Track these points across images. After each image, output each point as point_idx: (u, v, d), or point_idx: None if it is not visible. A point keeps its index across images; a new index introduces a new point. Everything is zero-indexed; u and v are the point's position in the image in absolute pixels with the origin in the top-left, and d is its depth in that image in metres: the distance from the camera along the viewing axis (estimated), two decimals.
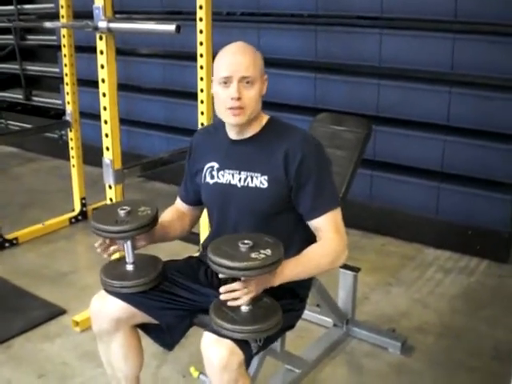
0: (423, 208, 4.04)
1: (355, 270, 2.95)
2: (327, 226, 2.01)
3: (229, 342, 1.81)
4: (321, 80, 4.25)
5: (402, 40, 3.90)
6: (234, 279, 1.85)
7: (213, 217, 2.22)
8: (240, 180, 2.06)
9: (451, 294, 3.47)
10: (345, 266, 2.93)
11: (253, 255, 1.77)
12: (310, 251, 2.00)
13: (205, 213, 2.34)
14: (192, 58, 3.57)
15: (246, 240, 1.82)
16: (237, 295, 1.83)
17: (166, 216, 2.25)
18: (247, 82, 1.96)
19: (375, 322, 3.15)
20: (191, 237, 2.98)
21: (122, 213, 2.04)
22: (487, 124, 3.70)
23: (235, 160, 2.08)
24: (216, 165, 2.12)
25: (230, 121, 2.02)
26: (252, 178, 2.04)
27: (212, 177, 2.12)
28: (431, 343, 3.01)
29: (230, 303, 1.84)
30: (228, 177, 2.09)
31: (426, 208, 4.02)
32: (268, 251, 1.79)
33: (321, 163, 2.04)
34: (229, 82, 1.96)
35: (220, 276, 1.85)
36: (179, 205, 2.33)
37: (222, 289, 1.85)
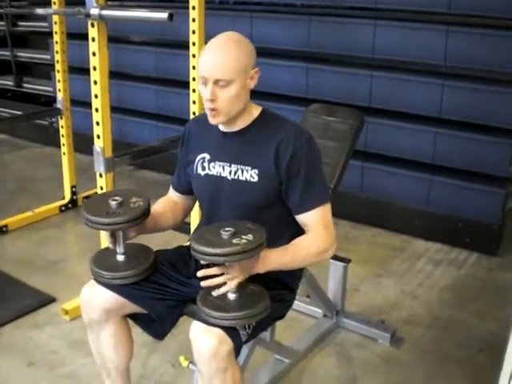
0: (414, 200, 4.04)
1: (345, 261, 2.96)
2: (315, 221, 2.01)
3: (218, 330, 1.81)
4: (313, 70, 4.24)
5: (396, 31, 3.89)
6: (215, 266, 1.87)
7: (203, 208, 2.21)
8: (230, 173, 2.05)
9: (441, 285, 3.48)
10: (335, 257, 2.93)
11: (234, 241, 1.78)
12: (299, 243, 2.00)
13: (197, 203, 2.34)
14: (184, 46, 3.55)
15: (227, 227, 1.83)
16: (220, 281, 1.83)
17: (158, 206, 2.24)
18: (222, 84, 1.92)
19: (365, 313, 3.16)
20: (182, 226, 2.97)
21: (113, 204, 2.00)
22: (479, 117, 3.70)
23: (226, 152, 2.07)
24: (207, 156, 2.10)
25: (209, 121, 2.01)
26: (242, 171, 2.03)
27: (203, 168, 2.11)
28: (420, 335, 3.02)
29: (214, 292, 1.85)
30: (219, 169, 2.07)
31: (416, 200, 4.03)
32: (250, 236, 1.80)
33: (311, 158, 2.01)
34: (206, 82, 1.94)
35: (202, 263, 1.86)
36: (172, 194, 2.32)
37: (199, 273, 1.85)
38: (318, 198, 2.01)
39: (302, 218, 2.03)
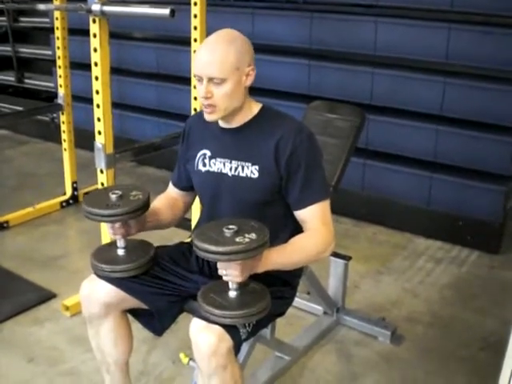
0: (415, 197, 4.04)
1: (346, 258, 2.95)
2: (314, 217, 2.00)
3: (218, 327, 1.81)
4: (315, 67, 4.24)
5: (397, 29, 3.88)
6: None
7: (204, 204, 2.21)
8: (231, 169, 2.05)
9: (441, 283, 3.48)
10: (336, 255, 2.93)
11: (237, 239, 1.77)
12: (296, 241, 1.99)
13: (197, 199, 2.34)
14: (186, 42, 3.54)
15: (230, 225, 1.82)
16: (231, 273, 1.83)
17: (157, 203, 2.23)
18: (216, 82, 1.93)
19: (365, 310, 3.16)
20: (183, 222, 2.96)
21: (113, 197, 2.03)
22: (480, 115, 3.69)
23: (227, 148, 2.07)
24: (208, 152, 2.11)
25: (206, 118, 2.02)
26: (243, 167, 2.03)
27: (204, 164, 2.11)
28: (421, 333, 3.02)
29: (224, 278, 1.84)
30: (219, 165, 2.07)
31: (417, 197, 4.03)
32: (253, 235, 1.78)
33: (311, 154, 2.01)
34: (201, 80, 1.95)
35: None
36: (171, 191, 2.32)
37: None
38: (318, 195, 2.01)
39: (301, 214, 2.02)
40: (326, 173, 2.10)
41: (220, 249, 1.75)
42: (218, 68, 1.91)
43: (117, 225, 2.05)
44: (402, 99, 3.95)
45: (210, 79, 1.93)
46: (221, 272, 1.84)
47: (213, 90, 1.94)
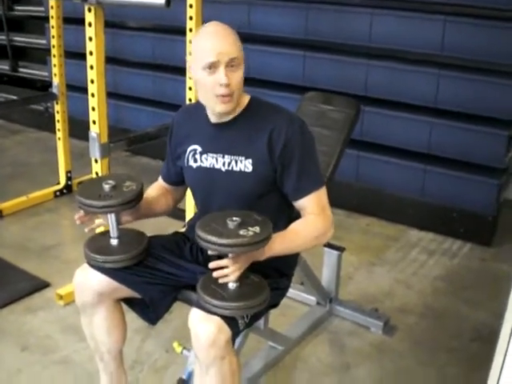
0: (409, 189, 4.05)
1: (340, 249, 2.97)
2: (312, 206, 2.01)
3: (217, 318, 1.81)
4: (310, 58, 4.23)
5: (393, 20, 3.87)
6: (221, 256, 1.85)
7: (197, 199, 2.21)
8: (224, 164, 2.03)
9: (434, 275, 3.50)
10: (329, 246, 2.94)
11: (241, 232, 1.77)
12: (296, 227, 2.00)
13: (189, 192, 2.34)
14: (182, 32, 3.53)
15: (234, 217, 1.82)
16: (226, 272, 1.83)
17: (151, 192, 2.24)
18: (232, 66, 1.90)
19: (358, 301, 3.17)
20: (177, 213, 2.98)
21: (106, 187, 2.02)
22: (475, 107, 3.70)
23: (218, 143, 2.05)
24: (199, 148, 2.08)
25: (220, 109, 1.96)
26: (236, 161, 2.01)
27: (195, 160, 2.09)
28: (413, 323, 3.04)
29: (220, 280, 1.84)
30: (212, 161, 2.06)
31: (411, 189, 4.04)
32: (257, 228, 1.79)
33: (304, 145, 2.01)
34: (214, 68, 1.89)
35: (209, 253, 1.85)
36: (162, 182, 2.32)
37: (211, 264, 1.84)
38: (314, 184, 2.02)
39: (299, 204, 2.03)
40: (320, 162, 2.10)
41: (224, 241, 1.75)
42: (236, 48, 1.90)
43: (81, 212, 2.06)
44: (396, 91, 3.95)
45: (229, 62, 1.89)
46: (224, 263, 1.83)
47: (230, 76, 1.90)
